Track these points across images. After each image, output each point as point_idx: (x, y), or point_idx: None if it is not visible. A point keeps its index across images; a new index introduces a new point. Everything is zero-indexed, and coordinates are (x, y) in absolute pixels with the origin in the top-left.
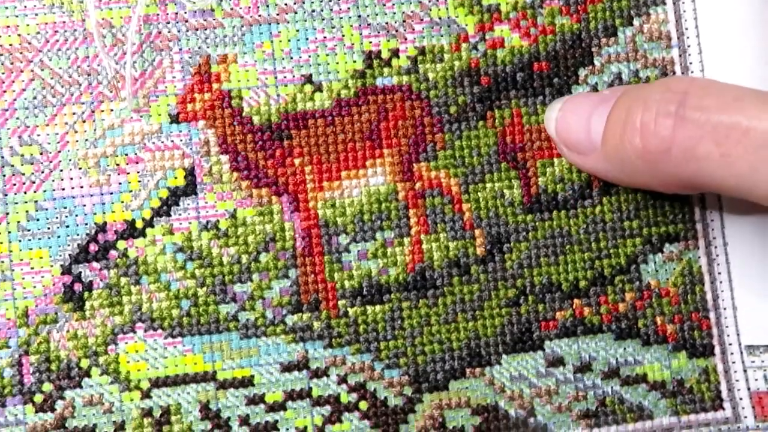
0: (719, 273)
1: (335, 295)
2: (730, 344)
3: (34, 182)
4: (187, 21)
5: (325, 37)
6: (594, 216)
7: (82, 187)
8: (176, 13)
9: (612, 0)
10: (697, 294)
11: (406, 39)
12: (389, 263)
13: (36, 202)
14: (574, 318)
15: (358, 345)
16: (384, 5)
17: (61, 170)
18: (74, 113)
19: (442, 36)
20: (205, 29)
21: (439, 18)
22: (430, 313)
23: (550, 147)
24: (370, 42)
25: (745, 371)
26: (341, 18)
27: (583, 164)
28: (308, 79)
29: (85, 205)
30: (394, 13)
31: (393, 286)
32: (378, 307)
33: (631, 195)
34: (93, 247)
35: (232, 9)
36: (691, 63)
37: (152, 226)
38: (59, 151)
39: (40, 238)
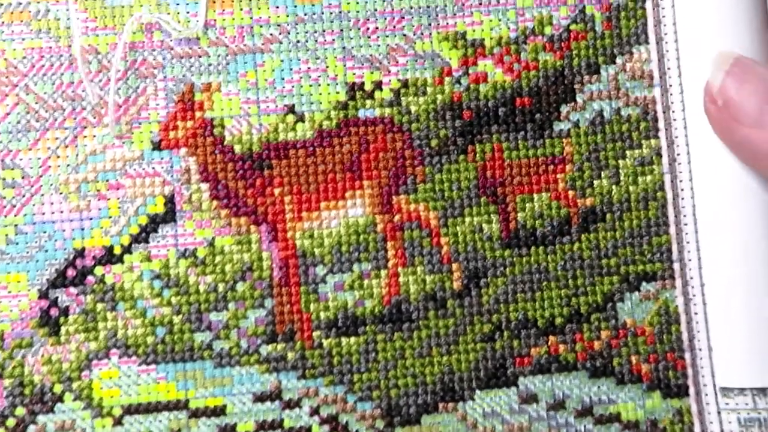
0: (695, 313)
1: (310, 326)
2: (705, 385)
3: (14, 206)
4: (172, 49)
5: (309, 68)
6: (572, 253)
7: (62, 212)
8: (162, 41)
9: (596, 38)
10: (672, 334)
11: (389, 72)
12: (365, 295)
13: (16, 225)
14: (549, 355)
15: (332, 377)
16: (369, 38)
17: (42, 195)
18: (57, 138)
19: (425, 69)
20: (190, 57)
21: (423, 51)
22: (405, 346)
23: (530, 182)
24: (354, 74)
25: (719, 413)
26: (326, 49)
27: (751, 138)
28: (291, 109)
29: (64, 230)
30: (379, 45)
31: (368, 318)
32: (353, 339)
33: (609, 233)
34: (71, 272)
35: (217, 38)
36: (672, 102)
37: (130, 253)
38: (41, 176)
39: (18, 262)
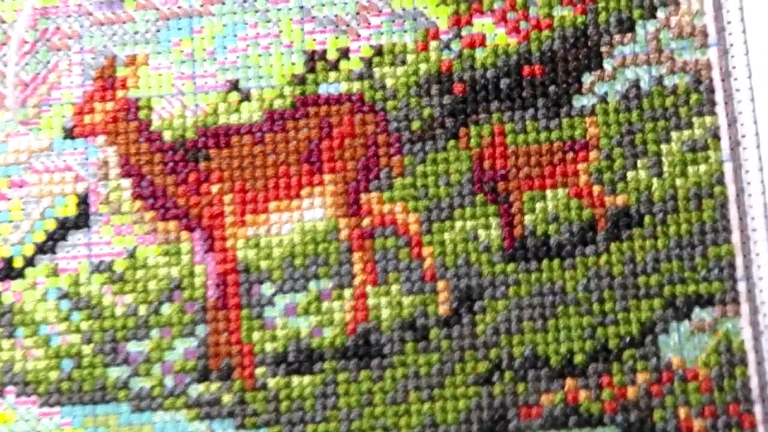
0: None
1: (252, 360)
2: None
3: None
4: (90, 14)
5: (257, 34)
6: (598, 268)
7: None
8: (78, 5)
9: None
10: (737, 379)
11: (359, 36)
12: (324, 322)
13: None
14: (565, 404)
15: (279, 427)
16: None
17: None
18: None
19: (405, 32)
20: (113, 24)
21: (403, 9)
22: (374, 389)
23: (542, 175)
24: (314, 39)
25: None
26: (279, 9)
27: None
28: (234, 85)
29: None
30: (346, 3)
31: (327, 352)
32: (307, 379)
33: (648, 242)
34: None
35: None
36: (734, 67)
37: (33, 266)
38: None
39: None
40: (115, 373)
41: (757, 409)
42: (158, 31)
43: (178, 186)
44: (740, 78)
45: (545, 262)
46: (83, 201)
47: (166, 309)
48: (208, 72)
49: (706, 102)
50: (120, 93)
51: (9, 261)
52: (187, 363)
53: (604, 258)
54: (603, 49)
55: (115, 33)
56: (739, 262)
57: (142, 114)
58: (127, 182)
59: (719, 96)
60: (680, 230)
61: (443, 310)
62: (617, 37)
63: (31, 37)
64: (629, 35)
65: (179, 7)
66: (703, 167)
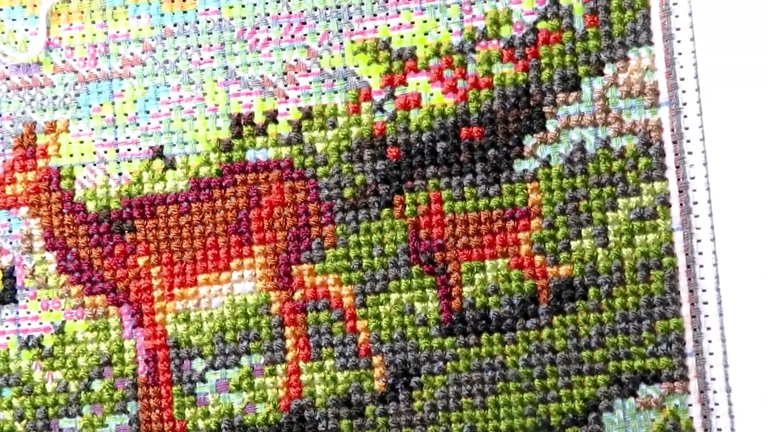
0: (719, 429)
1: None
2: None
3: None
4: (8, 79)
5: (181, 97)
6: (540, 342)
7: None
8: None
9: (575, 39)
10: None
11: (287, 97)
12: (257, 398)
13: None
14: None
15: None
16: (258, 52)
17: None
18: None
19: (335, 93)
20: (31, 89)
21: (333, 68)
22: None
23: (481, 245)
24: (240, 102)
25: None
26: (202, 71)
27: None
28: (159, 152)
29: None
30: (272, 62)
31: (261, 429)
32: None
33: (593, 315)
34: None
35: (64, 61)
36: (687, 128)
37: None
38: None
39: None
40: None
41: None
42: (77, 95)
43: (104, 258)
44: (693, 140)
45: (485, 335)
46: (9, 275)
47: (97, 385)
48: (131, 138)
49: (656, 166)
50: (41, 162)
51: None
52: None
53: (546, 332)
54: (546, 109)
55: (33, 98)
56: (688, 336)
57: (64, 184)
58: (51, 255)
59: (670, 160)
60: (627, 303)
61: (379, 386)
62: (561, 96)
63: None
64: (574, 94)
65: (98, 70)
66: (651, 236)
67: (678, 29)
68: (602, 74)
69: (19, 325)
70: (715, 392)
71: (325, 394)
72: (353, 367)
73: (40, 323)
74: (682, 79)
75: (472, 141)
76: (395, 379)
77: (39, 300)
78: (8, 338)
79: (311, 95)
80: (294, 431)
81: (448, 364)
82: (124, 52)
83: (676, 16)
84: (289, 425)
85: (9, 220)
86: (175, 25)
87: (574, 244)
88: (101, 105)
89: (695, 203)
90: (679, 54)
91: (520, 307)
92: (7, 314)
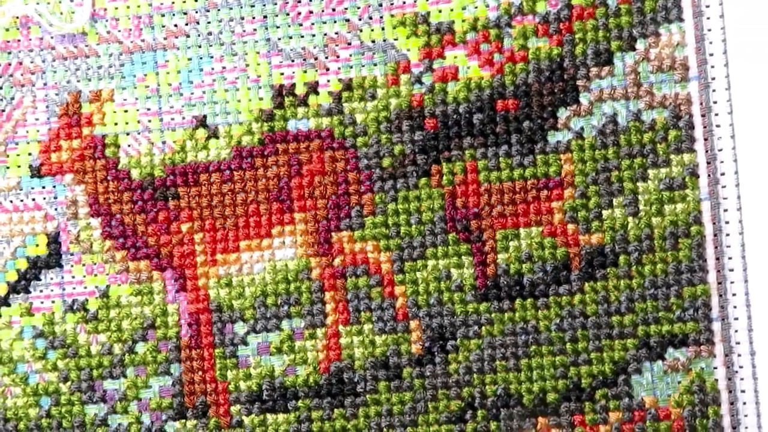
0: (742, 391)
1: (227, 398)
2: None
3: None
4: (53, 48)
5: (224, 68)
6: (571, 308)
7: None
8: (41, 39)
9: (608, 15)
10: (710, 418)
11: (327, 69)
12: (297, 360)
13: None
14: None
15: None
16: (300, 25)
17: None
18: None
19: (375, 65)
20: (76, 58)
21: (372, 41)
22: (348, 426)
23: (516, 213)
24: (282, 73)
25: None
26: (245, 42)
27: None
28: (202, 122)
29: None
30: (313, 35)
31: (301, 391)
32: (281, 417)
33: (623, 281)
34: None
35: (108, 32)
36: (715, 102)
37: (8, 305)
38: None
39: None
40: (93, 410)
41: None
42: (122, 65)
43: (148, 225)
44: (721, 113)
45: (518, 301)
46: (54, 240)
47: (141, 348)
48: (175, 108)
49: (685, 138)
50: (86, 130)
51: None
52: (163, 401)
53: (578, 297)
54: (579, 82)
55: (78, 68)
56: (714, 302)
57: (109, 152)
58: (96, 221)
59: (699, 132)
60: (656, 270)
61: (416, 349)
62: (594, 70)
63: None
64: (607, 68)
65: (143, 41)
66: (680, 206)
67: (707, 6)
68: (634, 49)
69: (64, 290)
70: (739, 355)
71: (364, 357)
72: (391, 331)
73: (85, 287)
74: (711, 55)
75: (508, 113)
76: (432, 342)
77: (84, 265)
78: (53, 302)
79: (351, 67)
80: (333, 392)
81: (483, 328)
82: (168, 24)
83: None
84: (328, 387)
85: (54, 186)
86: None
87: (605, 213)
88: (145, 75)
89: (722, 174)
90: (709, 30)
91: (552, 274)
92: (52, 278)
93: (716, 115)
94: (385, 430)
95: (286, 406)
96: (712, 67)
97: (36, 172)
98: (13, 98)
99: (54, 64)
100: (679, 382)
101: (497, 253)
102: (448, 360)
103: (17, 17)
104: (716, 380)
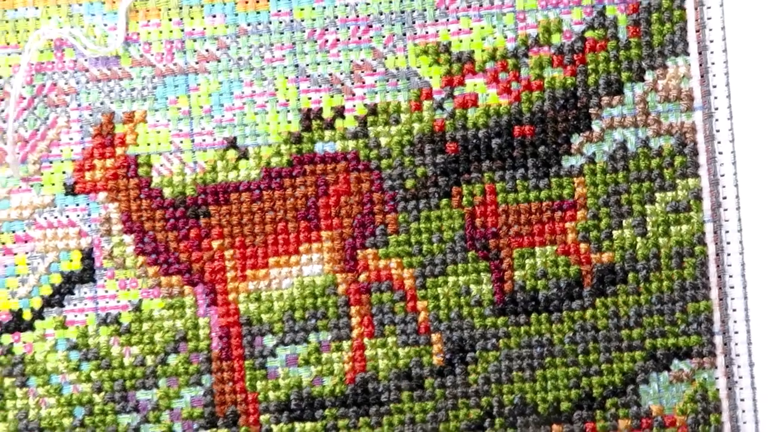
0: (741, 400)
1: (257, 408)
2: None
3: None
4: (87, 71)
5: (253, 92)
6: (583, 322)
7: None
8: (75, 61)
9: (618, 48)
10: (711, 425)
11: (353, 95)
12: (324, 372)
13: None
14: None
15: None
16: (327, 52)
17: None
18: None
19: (399, 91)
20: (109, 81)
21: (396, 69)
22: None
23: (531, 233)
24: (309, 98)
25: None
26: (274, 68)
27: None
28: (232, 143)
29: None
30: (340, 62)
31: (328, 400)
32: (309, 425)
33: (632, 297)
34: None
35: (141, 56)
36: (718, 130)
37: (42, 318)
38: None
39: None
40: (126, 420)
41: None
42: (155, 88)
43: (180, 242)
44: (723, 141)
45: (534, 315)
46: (88, 256)
47: (173, 359)
48: (206, 129)
49: (690, 164)
50: (119, 150)
51: (18, 314)
52: (194, 410)
53: (589, 312)
54: (592, 110)
55: (111, 89)
56: (716, 317)
57: (142, 171)
58: (129, 238)
59: (703, 159)
60: (662, 287)
61: (437, 360)
62: (606, 99)
63: (28, 93)
64: (618, 97)
65: (175, 64)
66: (685, 227)
67: (711, 41)
68: (643, 80)
69: (97, 303)
70: (739, 367)
71: (388, 368)
72: (413, 344)
73: (118, 301)
74: (715, 87)
75: (524, 138)
76: (452, 354)
77: (117, 280)
78: (87, 315)
79: (376, 93)
80: (359, 402)
81: (501, 341)
82: (200, 49)
83: (710, 30)
84: (354, 396)
85: (88, 204)
86: (248, 25)
87: (615, 233)
88: (177, 98)
89: (724, 198)
90: (712, 64)
91: (566, 290)
92: (85, 293)
93: (719, 143)
94: None
95: (313, 415)
96: (716, 98)
97: (70, 190)
98: (47, 118)
99: (88, 85)
100: (684, 392)
101: (514, 270)
102: (467, 371)
103: (51, 40)
104: (718, 390)
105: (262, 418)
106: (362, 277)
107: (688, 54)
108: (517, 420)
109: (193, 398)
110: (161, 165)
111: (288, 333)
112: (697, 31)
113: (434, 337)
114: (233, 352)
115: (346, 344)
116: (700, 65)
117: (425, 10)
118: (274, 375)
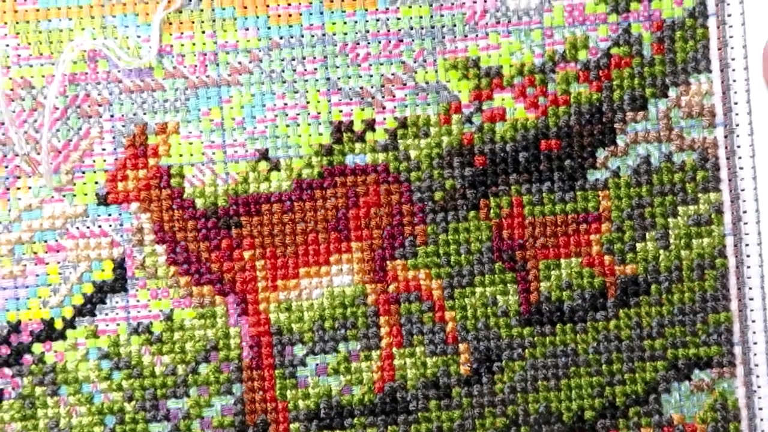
0: (760, 409)
1: (287, 417)
2: None
3: None
4: (120, 82)
5: (285, 104)
6: (607, 332)
7: None
8: (108, 72)
9: (643, 65)
10: None
11: (384, 108)
12: (353, 381)
13: None
14: None
15: None
16: (358, 66)
17: None
18: None
19: (428, 105)
20: (142, 92)
21: (426, 83)
22: None
23: (557, 245)
24: (340, 111)
25: None
26: (306, 81)
27: None
28: (264, 154)
29: None
30: (371, 75)
31: (357, 409)
32: None
33: (654, 308)
34: (4, 350)
35: (174, 68)
36: (739, 146)
37: (74, 328)
38: None
39: None
40: (157, 428)
41: None
42: (187, 99)
43: (212, 252)
44: (744, 157)
45: (559, 326)
46: (120, 266)
47: (204, 369)
48: (238, 141)
49: (711, 179)
50: (152, 161)
51: (50, 323)
52: (224, 419)
53: (613, 323)
54: (617, 125)
55: (144, 101)
56: (736, 328)
57: (174, 182)
58: (161, 248)
59: (724, 174)
60: (684, 298)
61: (464, 370)
62: (630, 114)
63: (61, 104)
64: (642, 113)
65: (207, 77)
66: (706, 240)
67: (733, 59)
68: (666, 96)
69: (128, 313)
70: (758, 376)
71: (416, 378)
72: (441, 353)
73: (150, 311)
74: (736, 104)
75: (551, 152)
76: (479, 364)
77: (148, 289)
78: (118, 324)
79: (406, 106)
80: (387, 411)
81: (527, 351)
82: (233, 61)
83: (732, 48)
84: (382, 405)
85: (120, 214)
86: (281, 38)
87: (639, 245)
88: (210, 109)
89: (745, 212)
90: (734, 81)
91: (590, 301)
92: (117, 302)
93: (740, 158)
94: None
95: (342, 423)
96: (737, 114)
97: (102, 200)
98: (80, 129)
99: (121, 96)
100: (704, 401)
101: (540, 282)
102: (494, 380)
103: (85, 51)
104: (737, 399)
105: (292, 426)
106: (391, 287)
107: (710, 71)
108: (542, 428)
109: (224, 407)
110: (193, 176)
111: (318, 342)
112: (720, 49)
113: (461, 347)
114: (264, 361)
115: (375, 354)
116: (722, 82)
117: (455, 25)
118: (304, 384)
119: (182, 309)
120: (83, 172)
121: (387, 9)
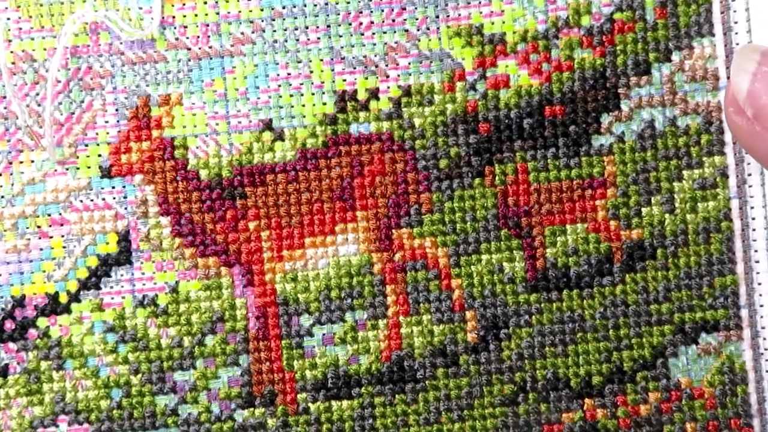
0: (767, 371)
1: (294, 387)
2: None
3: None
4: (122, 54)
5: (289, 74)
6: (614, 297)
7: None
8: (110, 44)
9: (646, 29)
10: (738, 396)
11: (387, 76)
12: (360, 350)
13: None
14: (584, 421)
15: None
16: (362, 35)
17: None
18: None
19: (432, 73)
20: (145, 64)
21: (430, 50)
22: (409, 411)
23: (562, 211)
24: (344, 80)
25: None
26: (309, 50)
27: None
28: (268, 125)
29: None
30: (374, 44)
31: (364, 378)
32: (345, 403)
33: (660, 273)
34: (9, 325)
35: (177, 39)
36: None
37: (78, 301)
38: None
39: None
40: (164, 401)
41: (756, 423)
42: (190, 70)
43: (216, 223)
44: None
45: (565, 292)
46: (124, 238)
47: (210, 340)
48: (241, 112)
49: (716, 142)
50: (155, 132)
51: (54, 297)
52: (231, 390)
53: (619, 288)
54: (620, 90)
55: (147, 72)
56: (742, 291)
57: (178, 153)
58: (166, 220)
59: (728, 136)
60: (690, 262)
61: (471, 337)
62: (634, 79)
63: (63, 77)
64: (645, 77)
65: (210, 47)
66: (711, 204)
67: (736, 22)
68: (670, 61)
69: (134, 286)
70: (764, 339)
71: (423, 346)
72: (448, 321)
73: (155, 283)
74: None
75: (555, 118)
76: (486, 331)
77: (153, 262)
78: (123, 297)
79: (410, 75)
80: (394, 380)
81: (533, 317)
82: (235, 32)
83: (734, 11)
84: (390, 374)
85: (124, 186)
86: (283, 8)
87: (644, 210)
88: (213, 80)
89: (749, 175)
90: (737, 44)
91: (596, 267)
92: (122, 275)
93: None
94: (443, 413)
95: (350, 393)
96: None
97: (106, 173)
98: (83, 101)
99: (123, 68)
100: (711, 364)
101: (546, 248)
102: (501, 347)
103: (87, 23)
104: (744, 362)
105: (299, 396)
106: (397, 256)
107: (713, 35)
108: (550, 395)
109: (231, 378)
110: (197, 147)
111: (324, 312)
112: (722, 12)
113: (468, 314)
114: (270, 332)
115: (381, 323)
116: (725, 46)
117: None
118: (311, 354)
119: (188, 281)
120: (86, 145)
121: None
